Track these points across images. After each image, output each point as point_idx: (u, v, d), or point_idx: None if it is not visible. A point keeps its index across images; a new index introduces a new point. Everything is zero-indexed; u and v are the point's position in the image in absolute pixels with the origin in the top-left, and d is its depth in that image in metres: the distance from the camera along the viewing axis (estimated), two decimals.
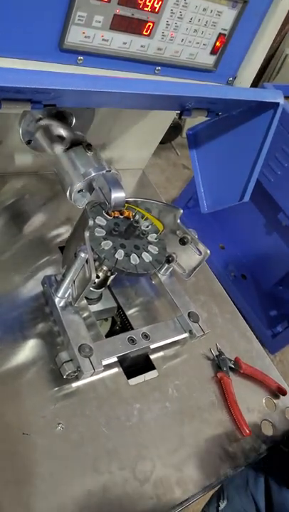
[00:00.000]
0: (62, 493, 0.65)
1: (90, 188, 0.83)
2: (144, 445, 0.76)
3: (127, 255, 0.79)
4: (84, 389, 0.77)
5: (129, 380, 0.82)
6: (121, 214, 0.84)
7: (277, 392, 0.96)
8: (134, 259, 0.79)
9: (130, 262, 0.78)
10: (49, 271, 0.91)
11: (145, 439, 0.76)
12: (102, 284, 0.87)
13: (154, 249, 0.83)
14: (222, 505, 1.09)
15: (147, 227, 0.86)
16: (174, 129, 3.14)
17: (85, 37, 0.67)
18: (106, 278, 0.86)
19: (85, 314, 0.86)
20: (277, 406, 0.94)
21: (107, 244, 0.78)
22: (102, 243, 0.78)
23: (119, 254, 0.78)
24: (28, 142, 0.92)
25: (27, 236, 0.95)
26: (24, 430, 0.68)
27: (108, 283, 0.88)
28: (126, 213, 0.84)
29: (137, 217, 0.83)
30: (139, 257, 0.80)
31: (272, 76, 3.44)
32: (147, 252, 0.82)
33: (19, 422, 0.69)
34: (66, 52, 0.67)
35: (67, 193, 0.84)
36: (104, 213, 0.81)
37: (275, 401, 0.95)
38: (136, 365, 0.87)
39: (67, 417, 0.73)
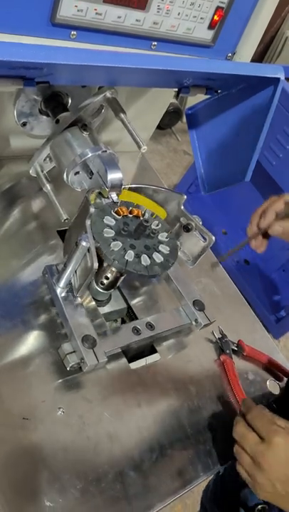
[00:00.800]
0: (64, 478, 0.64)
1: (87, 169, 0.81)
2: (147, 429, 0.75)
3: (138, 256, 0.76)
4: (86, 376, 0.76)
5: (131, 364, 0.81)
6: (130, 213, 0.81)
7: (281, 374, 0.95)
8: (144, 260, 0.76)
9: (141, 264, 0.75)
10: (48, 256, 0.89)
11: (147, 422, 0.75)
12: (111, 285, 0.85)
13: (165, 248, 0.81)
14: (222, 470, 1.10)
15: (157, 225, 0.83)
16: (174, 115, 3.11)
17: (78, 10, 0.65)
18: (116, 279, 0.84)
19: (97, 320, 0.83)
20: (281, 388, 0.93)
21: (116, 246, 0.75)
22: (112, 244, 0.75)
23: (130, 255, 0.75)
24: (24, 124, 0.90)
25: (25, 221, 0.94)
26: (24, 415, 0.67)
27: (118, 284, 0.86)
28: (135, 212, 0.82)
29: (146, 215, 0.81)
30: (150, 257, 0.77)
31: (273, 59, 3.39)
32: (158, 252, 0.79)
33: (19, 408, 0.68)
34: (58, 27, 0.65)
35: (64, 175, 0.82)
36: (113, 213, 0.79)
37: (279, 383, 0.94)
38: (140, 355, 0.85)
39: (67, 401, 0.71)
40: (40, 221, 0.95)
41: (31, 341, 0.76)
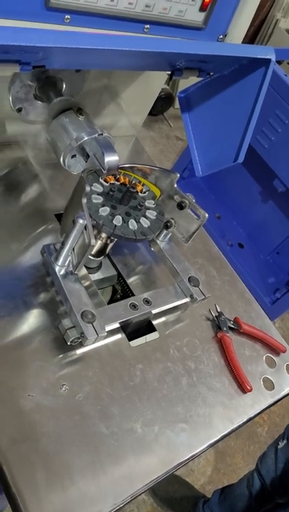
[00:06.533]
0: (68, 452, 0.67)
1: (83, 153, 0.83)
2: (148, 403, 0.77)
3: (125, 221, 0.79)
4: (87, 353, 0.78)
5: (131, 342, 0.83)
6: (117, 180, 0.83)
7: (277, 349, 0.98)
8: (132, 224, 0.79)
9: (128, 228, 0.78)
10: (47, 240, 0.91)
11: (148, 397, 0.78)
12: (101, 252, 0.88)
13: (152, 214, 0.83)
14: (281, 444, 1.22)
15: (144, 192, 0.86)
16: (166, 100, 3.11)
17: None
18: (105, 246, 0.86)
19: (86, 283, 0.86)
20: (277, 363, 0.96)
21: (104, 211, 0.78)
22: (100, 209, 0.77)
23: (118, 220, 0.78)
24: (19, 110, 0.91)
25: (22, 206, 0.95)
26: (29, 392, 0.69)
27: (107, 251, 0.89)
28: (122, 179, 0.84)
29: (133, 182, 0.83)
30: (138, 222, 0.80)
31: (264, 41, 3.39)
32: (145, 217, 0.82)
33: (24, 385, 0.70)
34: (52, 11, 0.66)
35: (61, 159, 0.84)
36: (101, 180, 0.81)
37: (274, 358, 0.96)
38: (138, 331, 0.87)
39: (71, 378, 0.74)
40: (37, 206, 0.96)
41: (32, 320, 0.78)
